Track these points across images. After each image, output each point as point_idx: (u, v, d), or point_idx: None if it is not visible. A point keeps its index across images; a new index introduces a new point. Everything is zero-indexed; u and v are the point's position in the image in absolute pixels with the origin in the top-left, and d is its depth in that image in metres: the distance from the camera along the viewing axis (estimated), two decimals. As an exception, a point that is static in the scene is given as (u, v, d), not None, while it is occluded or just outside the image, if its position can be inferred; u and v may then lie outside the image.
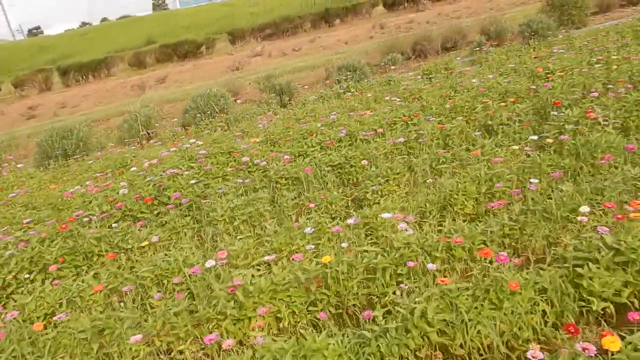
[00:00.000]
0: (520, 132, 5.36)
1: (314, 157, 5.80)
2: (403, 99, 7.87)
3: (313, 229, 3.72)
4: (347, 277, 3.32)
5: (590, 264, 2.85)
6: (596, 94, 5.60)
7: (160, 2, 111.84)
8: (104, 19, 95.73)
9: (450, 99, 7.04)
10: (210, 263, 3.39)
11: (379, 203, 4.60)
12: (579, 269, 2.85)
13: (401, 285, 2.96)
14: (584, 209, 3.21)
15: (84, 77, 28.15)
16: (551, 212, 3.61)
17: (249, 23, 34.28)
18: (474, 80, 7.36)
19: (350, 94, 9.15)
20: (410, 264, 3.16)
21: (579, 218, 3.16)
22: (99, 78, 28.45)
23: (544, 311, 2.86)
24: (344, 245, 3.40)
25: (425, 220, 4.26)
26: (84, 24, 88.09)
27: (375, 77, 11.63)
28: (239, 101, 13.21)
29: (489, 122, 5.91)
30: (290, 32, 30.96)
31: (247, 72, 19.97)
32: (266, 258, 3.46)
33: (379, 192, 5.01)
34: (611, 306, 2.85)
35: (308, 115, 8.34)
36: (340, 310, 3.36)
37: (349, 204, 5.03)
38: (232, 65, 20.89)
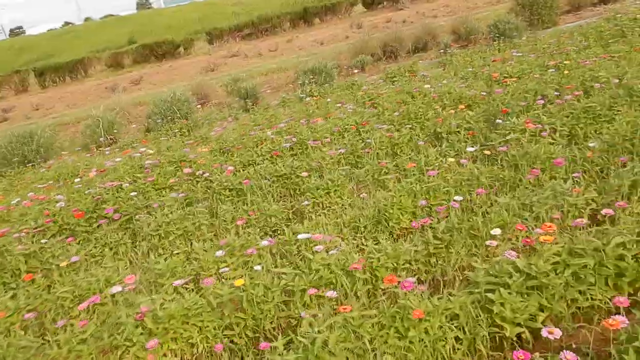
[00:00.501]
0: (466, 141, 5.28)
1: (261, 167, 5.68)
2: (361, 104, 7.77)
3: (225, 252, 3.61)
4: (263, 300, 3.21)
5: (501, 289, 2.76)
6: (542, 102, 5.52)
7: (144, 1, 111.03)
8: (87, 19, 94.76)
9: (405, 104, 6.95)
10: (116, 289, 3.26)
11: (318, 216, 4.49)
12: (490, 295, 2.76)
13: (301, 313, 2.84)
14: (495, 231, 3.12)
15: (61, 78, 27.76)
16: (477, 229, 3.52)
17: (231, 22, 34.01)
18: (426, 86, 7.25)
19: (309, 98, 9.02)
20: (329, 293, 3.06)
21: (487, 242, 3.07)
22: (76, 79, 28.07)
23: (457, 338, 2.77)
24: (257, 268, 3.28)
25: (359, 235, 4.16)
26: (66, 23, 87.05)
27: (342, 79, 11.53)
28: (207, 105, 13.09)
29: (439, 130, 5.83)
30: (270, 31, 30.74)
31: (221, 74, 19.78)
32: (175, 283, 3.34)
33: (321, 204, 4.91)
34: (526, 331, 2.77)
35: (267, 120, 8.22)
36: (258, 334, 3.25)
37: (291, 217, 4.92)
38: (207, 66, 20.68)
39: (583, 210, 3.63)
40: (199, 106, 13.19)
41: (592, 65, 6.97)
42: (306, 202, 4.66)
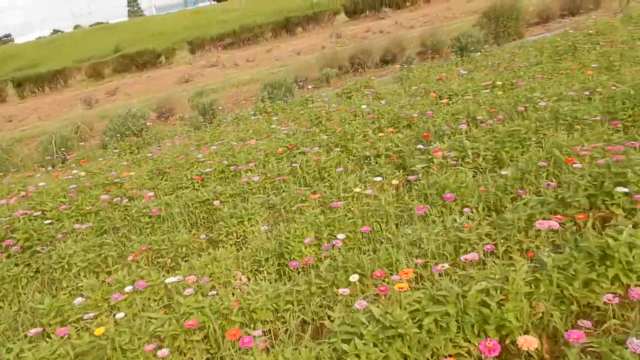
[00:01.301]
0: (386, 167, 5.17)
1: (183, 193, 5.56)
2: (308, 122, 7.66)
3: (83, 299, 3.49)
4: (130, 347, 3.09)
5: (356, 339, 2.64)
6: (464, 126, 5.42)
7: (135, 8, 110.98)
8: (76, 26, 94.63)
9: (347, 124, 6.84)
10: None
11: (223, 248, 4.37)
12: (344, 345, 2.64)
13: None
14: (354, 277, 3.01)
15: (40, 88, 27.59)
16: (364, 268, 3.41)
17: (213, 32, 33.91)
18: (363, 106, 7.15)
19: (259, 116, 8.92)
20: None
21: (339, 291, 2.95)
22: (55, 90, 27.90)
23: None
24: (120, 315, 3.16)
25: (260, 270, 4.04)
26: (55, 31, 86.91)
27: (308, 91, 11.43)
28: (171, 119, 12.97)
29: (367, 154, 5.72)
30: (252, 41, 30.68)
31: (196, 85, 19.70)
32: (31, 332, 3.20)
33: (235, 234, 4.80)
34: (387, 383, 2.66)
35: (216, 138, 8.10)
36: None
37: (204, 246, 4.80)
38: (182, 77, 20.55)
39: (476, 246, 3.53)
40: (162, 120, 13.11)
41: (535, 84, 6.91)
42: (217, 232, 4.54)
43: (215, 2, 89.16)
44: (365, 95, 9.18)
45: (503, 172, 4.43)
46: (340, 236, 3.69)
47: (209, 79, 20.73)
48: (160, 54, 29.21)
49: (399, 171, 5.20)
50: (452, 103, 6.69)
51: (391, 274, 3.18)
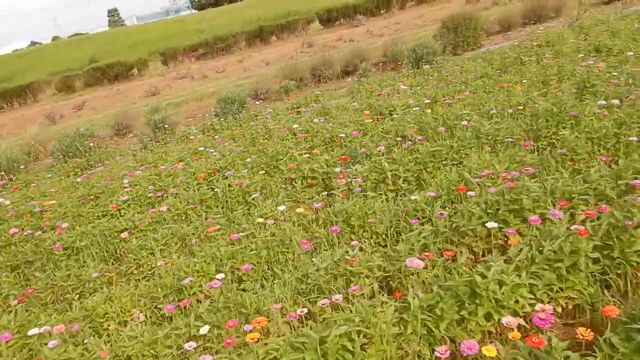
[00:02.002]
0: (305, 191, 5.08)
1: (101, 222, 5.43)
2: (246, 140, 7.56)
3: None
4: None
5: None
6: (382, 148, 5.34)
7: (116, 18, 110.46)
8: (55, 38, 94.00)
9: (282, 143, 6.75)
10: None
11: (127, 283, 4.25)
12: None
13: None
14: (204, 329, 2.90)
15: (9, 104, 27.22)
16: (246, 307, 3.30)
17: (185, 43, 33.67)
18: (295, 125, 7.06)
19: (202, 135, 8.80)
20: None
21: (185, 346, 2.84)
22: (25, 105, 27.56)
23: None
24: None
25: (160, 307, 3.92)
26: (33, 43, 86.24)
27: (257, 107, 11.33)
28: (128, 135, 12.80)
29: (292, 177, 5.63)
30: (226, 50, 30.55)
31: (163, 98, 19.51)
32: None
33: (146, 265, 4.67)
34: None
35: (158, 160, 7.97)
36: None
37: (115, 280, 4.67)
38: (149, 90, 20.37)
39: (367, 279, 3.44)
40: (120, 137, 12.94)
41: (473, 99, 6.88)
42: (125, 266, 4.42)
43: (196, 11, 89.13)
44: (309, 111, 9.09)
45: (412, 197, 4.35)
46: (220, 276, 3.56)
47: (177, 91, 20.57)
48: (133, 66, 28.95)
49: (319, 195, 5.11)
50: (387, 120, 6.61)
51: (268, 319, 3.08)
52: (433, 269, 3.39)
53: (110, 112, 18.66)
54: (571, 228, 2.99)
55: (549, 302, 2.97)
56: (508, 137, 5.27)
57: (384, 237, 4.16)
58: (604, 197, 3.75)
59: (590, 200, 3.74)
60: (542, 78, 7.20)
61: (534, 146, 5.22)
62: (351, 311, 2.78)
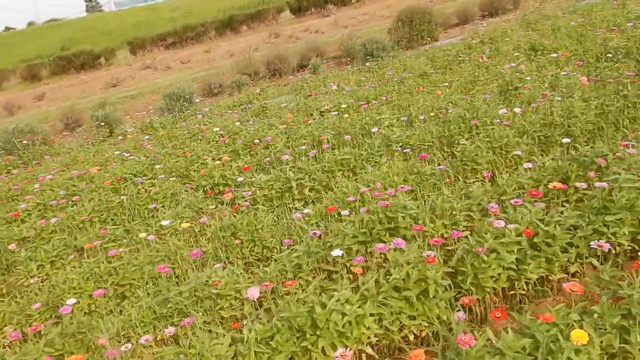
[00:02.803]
0: (207, 201, 4.97)
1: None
2: (178, 141, 7.39)
3: None
4: None
5: None
6: (286, 157, 5.23)
7: (94, 3, 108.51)
8: (30, 23, 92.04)
9: (203, 146, 6.61)
10: None
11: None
12: None
13: None
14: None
15: (-29, 93, 26.63)
16: (101, 331, 3.19)
17: (166, 29, 33.17)
18: (216, 129, 6.92)
19: (133, 135, 8.62)
20: None
21: None
22: (-13, 94, 26.97)
23: None
24: None
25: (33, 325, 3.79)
26: (7, 28, 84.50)
27: (205, 103, 11.15)
28: (76, 131, 12.53)
29: (203, 184, 5.51)
30: (195, 40, 30.12)
31: (124, 89, 19.21)
32: None
33: (38, 278, 4.53)
34: None
35: (86, 161, 7.78)
36: None
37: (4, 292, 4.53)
38: (110, 81, 20.02)
39: (234, 302, 3.35)
40: (68, 132, 12.67)
41: (401, 101, 6.80)
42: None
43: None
44: (251, 108, 8.95)
45: (305, 211, 4.26)
46: (71, 301, 3.44)
47: (139, 83, 20.25)
48: (100, 55, 28.44)
49: (222, 205, 5.01)
50: (309, 124, 6.50)
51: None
52: (304, 290, 3.31)
53: (67, 104, 18.33)
54: (423, 254, 2.91)
55: (400, 331, 2.91)
56: (420, 144, 5.21)
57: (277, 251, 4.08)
58: (486, 214, 3.69)
59: (475, 216, 3.68)
60: (471, 79, 7.13)
61: (447, 152, 5.17)
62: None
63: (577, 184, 3.34)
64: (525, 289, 3.06)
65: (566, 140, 4.19)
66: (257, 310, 3.12)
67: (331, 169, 5.11)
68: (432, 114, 5.96)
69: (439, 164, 4.69)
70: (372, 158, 5.18)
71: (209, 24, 30.01)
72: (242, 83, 12.83)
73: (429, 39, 13.45)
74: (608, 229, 3.11)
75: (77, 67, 28.33)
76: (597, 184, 3.14)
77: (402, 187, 3.73)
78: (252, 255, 4.14)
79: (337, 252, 3.09)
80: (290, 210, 4.69)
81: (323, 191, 4.93)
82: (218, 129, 6.83)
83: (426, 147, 5.31)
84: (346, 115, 6.25)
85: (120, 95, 17.27)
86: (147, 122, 9.28)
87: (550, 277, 3.09)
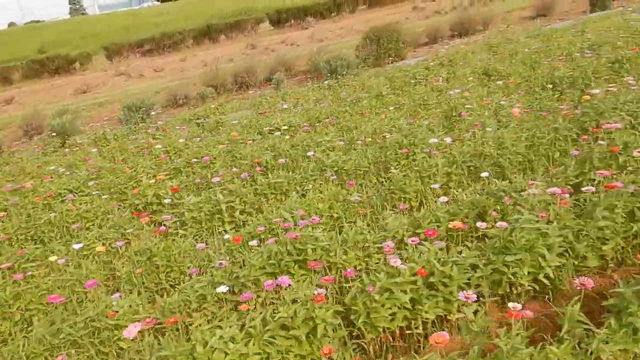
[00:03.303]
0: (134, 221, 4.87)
1: None
2: (123, 156, 7.28)
3: None
4: None
5: None
6: (217, 179, 5.16)
7: (77, 6, 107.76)
8: (11, 24, 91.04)
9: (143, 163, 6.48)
10: None
11: None
12: None
13: None
14: None
15: (-60, 94, 26.13)
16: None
17: (131, 38, 32.89)
18: (158, 146, 6.83)
19: (80, 148, 8.49)
20: None
21: None
22: (-42, 95, 26.50)
23: None
24: None
25: None
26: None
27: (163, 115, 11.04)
28: (36, 138, 12.34)
29: (137, 202, 5.40)
30: (173, 48, 29.97)
31: (94, 96, 19.01)
32: None
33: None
34: None
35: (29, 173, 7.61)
36: None
37: None
38: (80, 87, 19.80)
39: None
40: (27, 139, 12.47)
41: (349, 123, 6.78)
42: None
43: (158, 3, 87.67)
44: (207, 122, 8.86)
45: (226, 237, 4.19)
46: None
47: (110, 90, 20.07)
48: (75, 60, 28.14)
49: (150, 225, 4.92)
50: (254, 143, 6.44)
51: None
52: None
53: (37, 108, 18.06)
54: (314, 292, 2.86)
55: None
56: (356, 169, 5.19)
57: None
58: (403, 245, 3.66)
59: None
60: (421, 102, 7.14)
61: (383, 178, 5.14)
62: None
63: (478, 224, 3.31)
64: (422, 328, 3.02)
65: (484, 174, 4.18)
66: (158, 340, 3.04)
67: (263, 192, 5.05)
68: (370, 139, 5.93)
69: (366, 192, 4.66)
70: (306, 182, 5.13)
71: (187, 32, 29.90)
72: (206, 95, 12.75)
73: (396, 57, 13.51)
74: (508, 269, 3.09)
75: (51, 72, 27.97)
76: (498, 223, 3.12)
77: (313, 219, 3.67)
78: (168, 281, 4.07)
79: (222, 289, 3.03)
80: (220, 233, 4.62)
81: (255, 215, 4.86)
82: (160, 145, 6.73)
83: (362, 172, 5.28)
84: (287, 137, 6.20)
85: (88, 102, 17.08)
86: (101, 133, 9.14)
87: (449, 317, 3.06)
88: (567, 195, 3.33)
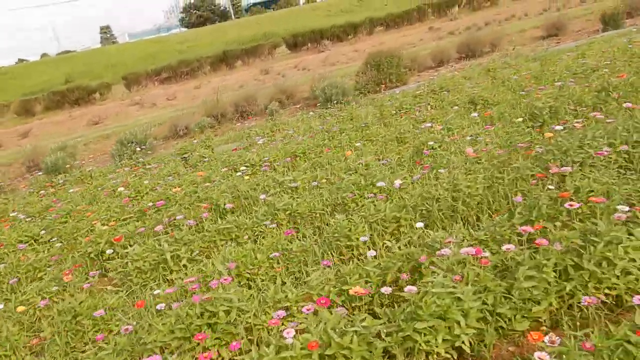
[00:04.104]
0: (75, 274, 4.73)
1: None
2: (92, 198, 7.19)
3: None
4: None
5: None
6: (160, 228, 4.99)
7: (108, 35, 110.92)
8: (44, 55, 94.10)
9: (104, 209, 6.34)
10: None
11: None
12: None
13: None
14: None
15: (-34, 127, 26.94)
16: None
17: (175, 61, 33.43)
18: (120, 189, 6.72)
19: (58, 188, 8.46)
20: None
21: None
22: (-17, 128, 27.25)
23: None
24: None
25: None
26: (20, 60, 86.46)
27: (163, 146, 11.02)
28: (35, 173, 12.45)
29: (89, 251, 5.28)
30: (190, 75, 30.38)
31: (102, 127, 19.26)
32: None
33: None
34: None
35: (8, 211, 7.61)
36: None
37: None
38: (92, 119, 20.10)
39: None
40: (27, 176, 12.59)
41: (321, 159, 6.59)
42: None
43: (185, 29, 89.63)
44: (195, 157, 8.76)
45: (155, 292, 4.01)
46: None
47: (122, 120, 20.30)
48: (95, 90, 28.73)
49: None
50: (216, 184, 6.27)
51: None
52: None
53: (48, 141, 18.37)
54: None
55: None
56: (311, 212, 4.97)
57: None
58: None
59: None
60: (397, 135, 6.90)
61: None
62: None
63: (382, 289, 3.05)
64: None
65: (419, 224, 3.91)
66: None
67: (212, 239, 4.87)
68: (335, 177, 5.70)
69: (316, 239, 4.43)
70: (257, 227, 4.93)
71: (204, 59, 30.28)
72: (205, 126, 12.71)
73: (398, 82, 13.29)
74: (421, 336, 2.82)
75: (71, 102, 28.60)
76: (407, 287, 2.86)
77: (224, 279, 3.45)
78: (93, 341, 3.89)
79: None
80: (157, 285, 4.45)
81: (205, 261, 4.68)
82: (122, 188, 6.63)
83: (318, 215, 5.07)
84: (247, 177, 6.01)
85: (97, 134, 17.27)
86: (88, 171, 9.13)
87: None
88: (487, 254, 3.04)
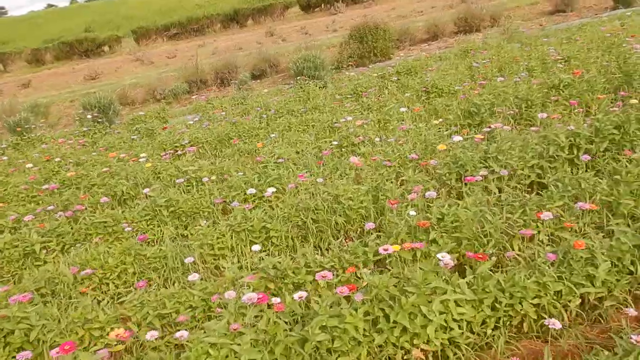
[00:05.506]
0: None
1: None
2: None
3: None
4: None
5: None
6: (30, 217, 4.75)
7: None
8: (73, 1, 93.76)
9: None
10: None
11: None
12: None
13: None
14: None
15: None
16: None
17: (184, 18, 32.94)
18: (29, 165, 6.46)
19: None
20: None
21: None
22: (-7, 75, 27.44)
23: None
24: None
25: None
26: (49, 5, 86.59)
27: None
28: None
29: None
30: (200, 32, 29.89)
31: (97, 83, 19.08)
32: None
33: None
34: None
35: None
36: None
37: None
38: (89, 74, 19.93)
39: None
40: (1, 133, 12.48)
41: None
42: None
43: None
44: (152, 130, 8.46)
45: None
46: None
47: (120, 76, 20.10)
48: (104, 43, 28.52)
49: None
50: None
51: None
52: None
53: (49, 93, 18.30)
54: None
55: None
56: (197, 211, 4.70)
57: None
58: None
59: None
60: (329, 125, 6.51)
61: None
62: None
63: (147, 335, 2.76)
64: None
65: (255, 247, 3.59)
66: None
67: (88, 232, 4.63)
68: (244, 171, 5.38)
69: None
70: (137, 223, 4.68)
71: (214, 17, 29.69)
72: (179, 92, 12.40)
73: (381, 57, 12.72)
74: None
75: (80, 54, 28.48)
76: (178, 333, 2.57)
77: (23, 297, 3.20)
78: None
79: None
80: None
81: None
82: (31, 164, 6.38)
83: (206, 214, 4.79)
84: (148, 164, 5.69)
85: (83, 92, 17.08)
86: (38, 135, 8.93)
87: None
88: (276, 300, 2.72)
